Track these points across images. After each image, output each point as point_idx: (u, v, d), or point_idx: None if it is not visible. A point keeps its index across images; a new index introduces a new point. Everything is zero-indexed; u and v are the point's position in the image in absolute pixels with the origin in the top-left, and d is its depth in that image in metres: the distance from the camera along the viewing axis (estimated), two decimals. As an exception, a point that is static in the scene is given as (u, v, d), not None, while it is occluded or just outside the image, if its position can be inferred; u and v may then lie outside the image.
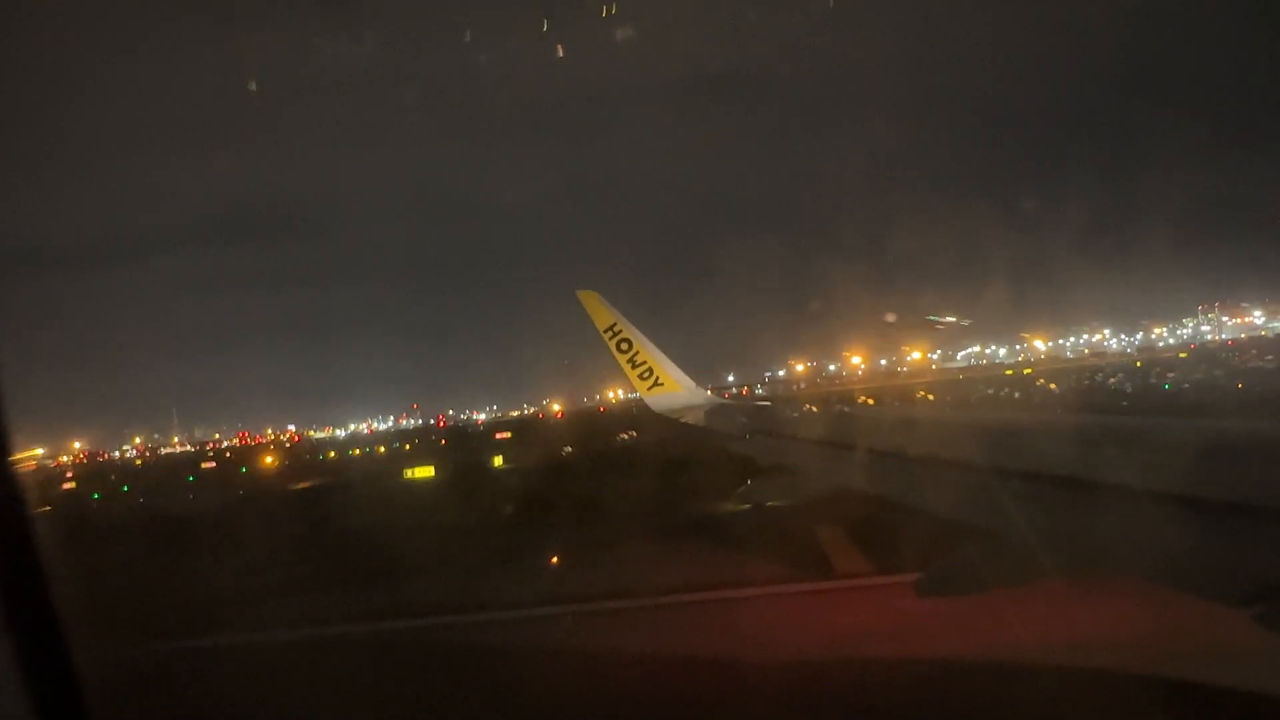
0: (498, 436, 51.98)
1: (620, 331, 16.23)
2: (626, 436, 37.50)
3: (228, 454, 60.83)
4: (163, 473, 52.79)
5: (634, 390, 17.30)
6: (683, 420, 16.12)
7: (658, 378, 16.07)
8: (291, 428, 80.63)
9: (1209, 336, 61.67)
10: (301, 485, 33.94)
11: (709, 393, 18.12)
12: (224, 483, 41.06)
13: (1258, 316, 61.85)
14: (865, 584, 10.20)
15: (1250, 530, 3.47)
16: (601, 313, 16.38)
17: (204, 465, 53.82)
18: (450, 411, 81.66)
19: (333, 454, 57.52)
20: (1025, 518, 5.02)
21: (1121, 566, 4.57)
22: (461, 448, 46.31)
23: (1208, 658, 5.85)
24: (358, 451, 57.68)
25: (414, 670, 9.22)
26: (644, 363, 16.10)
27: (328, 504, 26.09)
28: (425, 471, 34.01)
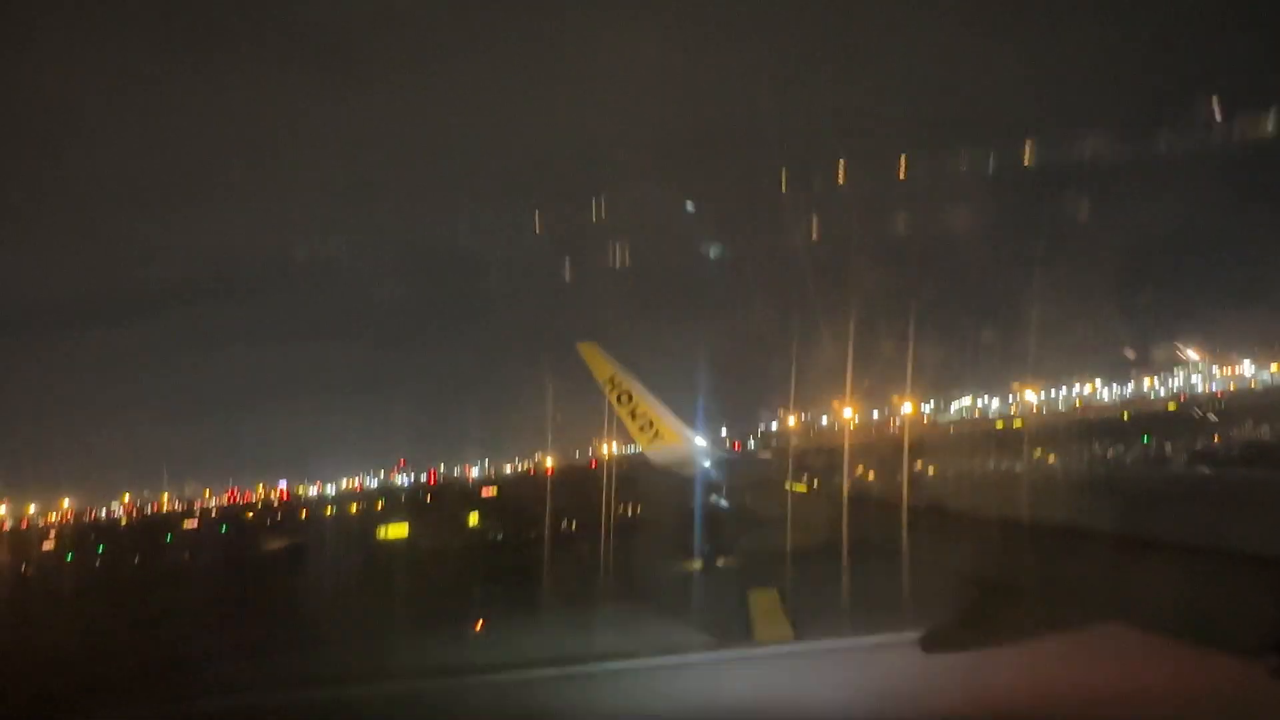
0: (483, 494, 52.27)
1: (620, 383, 16.36)
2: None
3: (213, 513, 60.51)
4: (143, 533, 52.37)
5: (631, 443, 17.46)
6: (684, 473, 16.20)
7: (658, 430, 16.15)
8: (283, 484, 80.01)
9: (1199, 388, 62.40)
10: (272, 547, 34.08)
11: (708, 446, 18.25)
12: (198, 544, 41.34)
13: (1246, 366, 62.72)
14: (871, 641, 10.03)
15: (1266, 583, 3.51)
16: (601, 364, 16.52)
17: (186, 525, 53.26)
18: (441, 467, 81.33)
19: (315, 512, 57.34)
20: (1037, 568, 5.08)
21: (1132, 618, 4.58)
22: (438, 508, 47.01)
23: (1223, 710, 5.83)
24: (331, 510, 57.63)
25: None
26: (644, 414, 16.19)
27: (288, 567, 26.50)
28: (398, 531, 34.39)
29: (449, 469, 78.09)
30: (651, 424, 16.11)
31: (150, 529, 53.50)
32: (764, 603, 12.01)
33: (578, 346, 16.72)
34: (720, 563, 17.46)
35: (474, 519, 36.30)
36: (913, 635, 8.16)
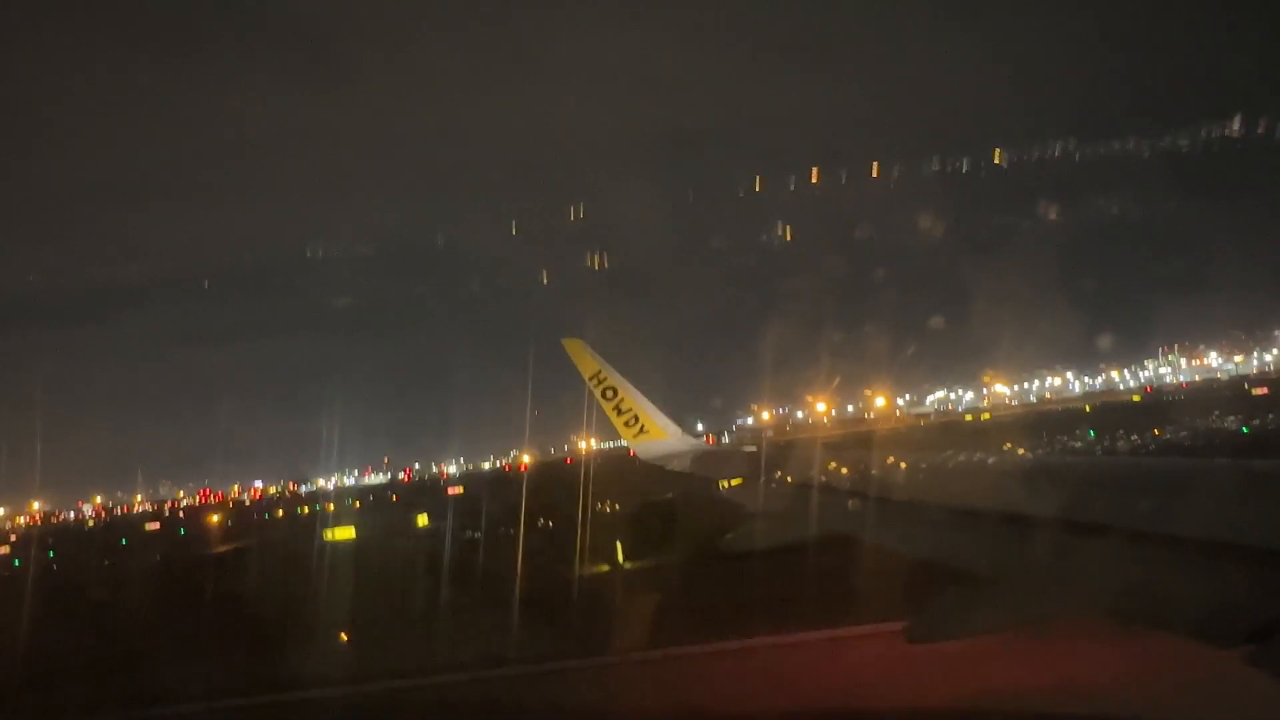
0: (449, 493, 52.78)
1: (605, 379, 16.62)
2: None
3: (181, 514, 59.98)
4: (104, 536, 51.88)
5: (611, 439, 17.88)
6: (669, 468, 16.56)
7: (643, 425, 16.42)
8: (258, 484, 79.37)
9: (1168, 379, 64.02)
10: (223, 549, 34.36)
11: (695, 440, 18.63)
12: (153, 547, 41.38)
13: (1213, 359, 64.40)
14: (856, 632, 10.29)
15: (1238, 570, 3.60)
16: (586, 360, 16.77)
17: (148, 527, 52.81)
18: (417, 465, 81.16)
19: (280, 512, 57.17)
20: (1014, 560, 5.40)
21: (1110, 609, 4.68)
22: (394, 508, 47.53)
23: (1198, 700, 6.00)
24: (305, 510, 57.55)
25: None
26: (629, 410, 16.45)
27: (231, 569, 26.80)
28: (345, 533, 34.83)
29: (426, 467, 78.10)
30: (637, 419, 16.38)
31: (112, 532, 53.00)
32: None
33: (563, 343, 16.96)
34: (630, 565, 18.44)
35: (422, 520, 36.92)
36: (897, 625, 8.33)
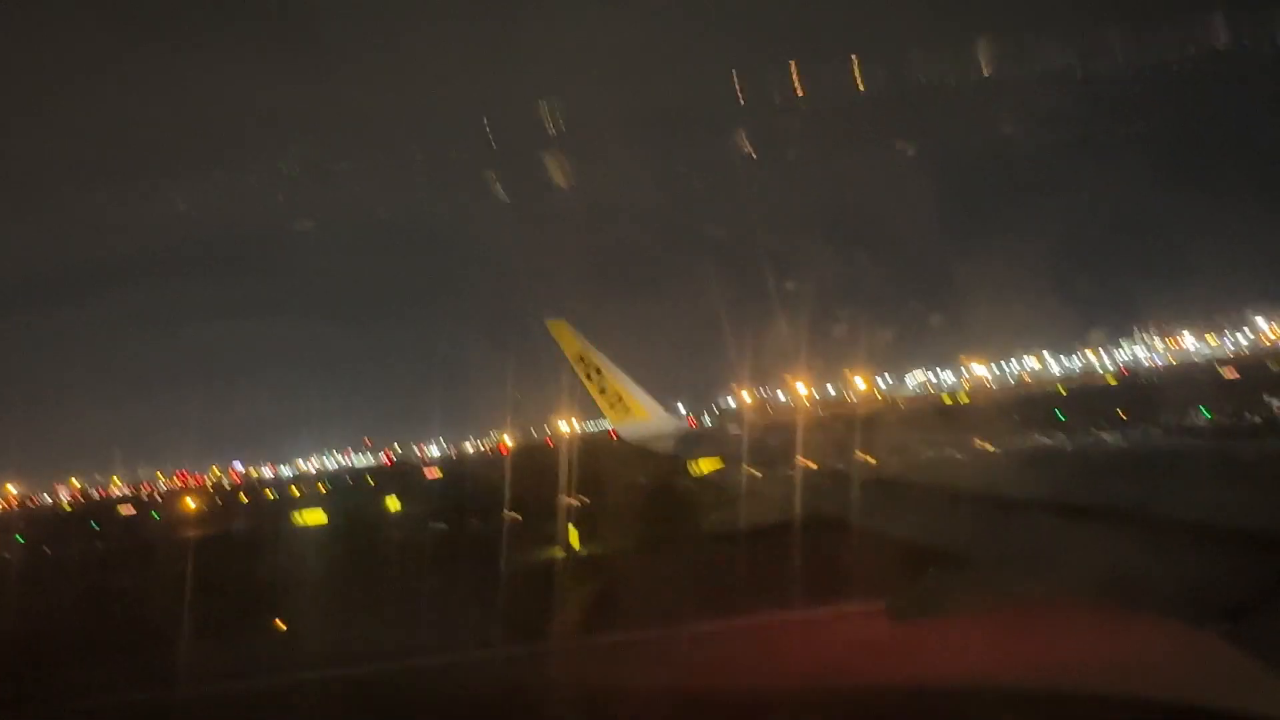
0: (427, 475, 53.08)
1: (589, 359, 16.64)
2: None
3: (159, 497, 59.62)
4: (75, 520, 51.39)
5: (593, 420, 17.95)
6: (653, 448, 16.65)
7: (627, 406, 16.48)
8: (237, 466, 79.01)
9: (1144, 360, 64.93)
10: (192, 534, 34.20)
11: (679, 421, 18.72)
12: (120, 532, 40.97)
13: (1189, 339, 65.30)
14: (839, 612, 10.47)
15: (1214, 551, 3.67)
16: (571, 341, 16.78)
17: (121, 511, 52.33)
18: (397, 448, 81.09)
19: (254, 496, 57.06)
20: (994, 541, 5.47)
21: (1089, 589, 4.76)
22: (362, 493, 47.69)
23: (1176, 678, 6.02)
24: (280, 493, 57.47)
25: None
26: (613, 391, 16.49)
27: (192, 558, 26.60)
28: (316, 518, 35.02)
29: (407, 449, 77.93)
30: (621, 400, 16.43)
31: (85, 516, 52.53)
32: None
33: (547, 324, 16.95)
34: (585, 551, 18.64)
35: (394, 504, 37.04)
36: (879, 605, 8.60)
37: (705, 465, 15.81)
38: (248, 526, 36.40)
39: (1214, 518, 3.81)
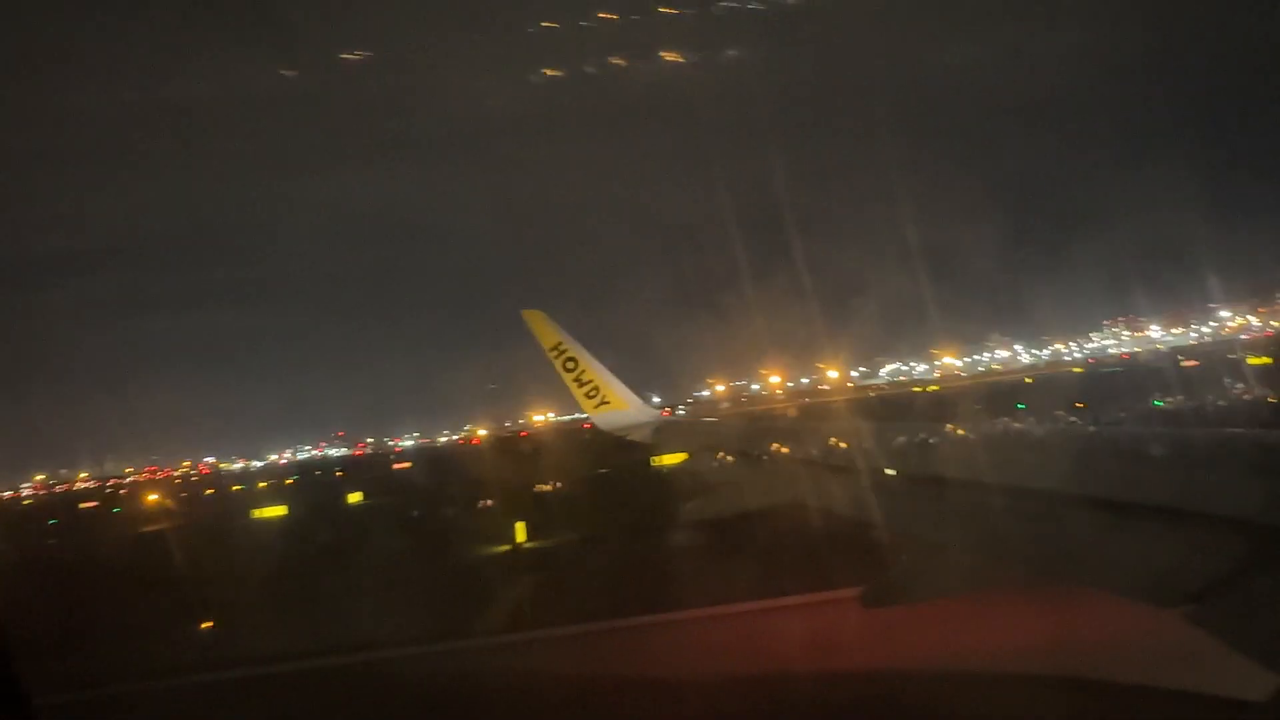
0: (395, 468, 53.12)
1: (565, 350, 16.60)
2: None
3: (123, 491, 59.03)
4: (35, 514, 50.66)
5: (574, 411, 17.98)
6: (630, 438, 16.69)
7: (604, 396, 16.46)
8: (209, 459, 78.24)
9: (1111, 351, 66.00)
10: (149, 528, 33.93)
11: (656, 411, 18.76)
12: (77, 527, 40.54)
13: (1154, 330, 66.43)
14: (814, 599, 10.54)
15: (1175, 534, 3.74)
16: (547, 332, 16.72)
17: (82, 506, 51.62)
18: (370, 440, 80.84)
19: (219, 490, 56.71)
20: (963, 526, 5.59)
21: (1058, 572, 4.88)
22: (327, 486, 47.70)
23: (1142, 658, 6.22)
24: (239, 487, 57.29)
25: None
26: (590, 381, 16.47)
27: (145, 552, 26.29)
28: (276, 511, 35.07)
29: (380, 442, 77.60)
30: (598, 390, 16.41)
31: (47, 509, 51.80)
32: None
33: (523, 314, 16.85)
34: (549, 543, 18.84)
35: (357, 497, 37.02)
36: (853, 591, 8.84)
37: (669, 459, 15.96)
38: (224, 519, 36.03)
39: (1177, 500, 3.89)
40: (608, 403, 16.44)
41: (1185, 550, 3.69)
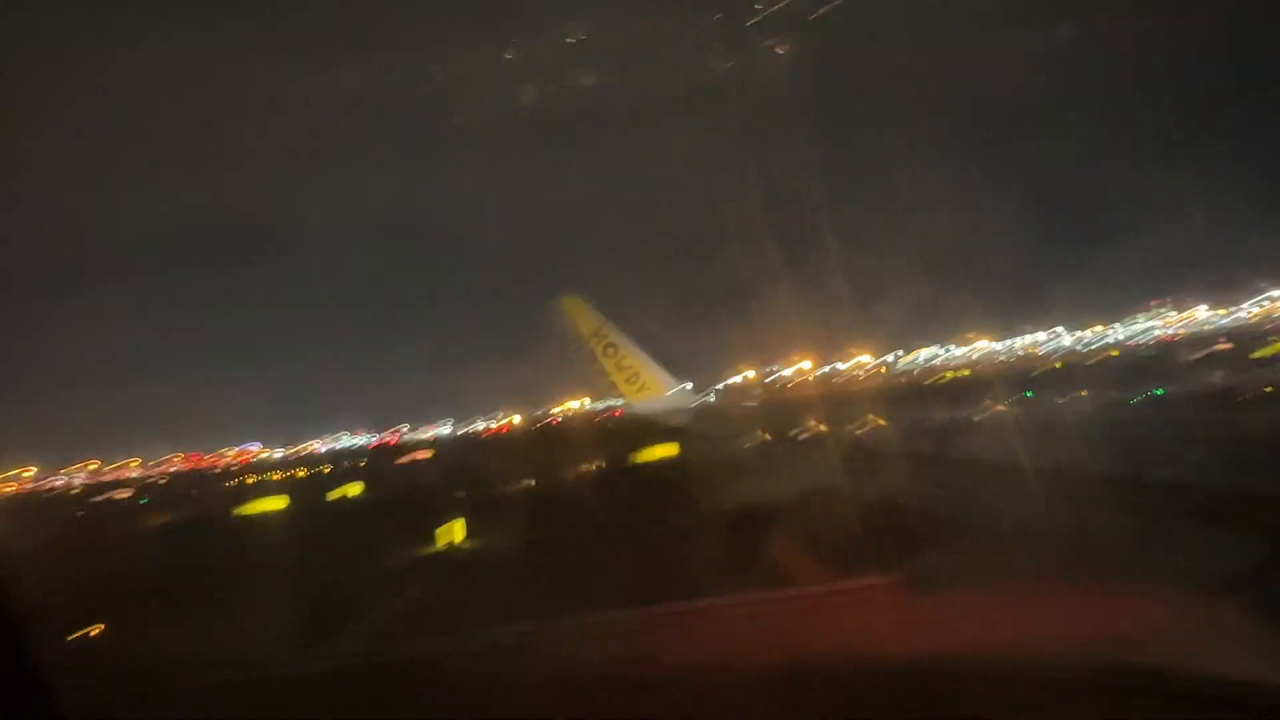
0: (410, 458, 53.85)
1: (605, 336, 16.76)
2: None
3: (164, 481, 60.25)
4: (70, 504, 51.85)
5: (603, 398, 18.21)
6: (669, 423, 16.88)
7: (644, 381, 16.66)
8: (252, 447, 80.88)
9: (1155, 333, 65.19)
10: (162, 521, 34.36)
11: (694, 395, 18.93)
12: (97, 518, 41.12)
13: (1201, 311, 65.45)
14: (854, 585, 10.94)
15: (1221, 523, 3.93)
16: (586, 318, 16.89)
17: (115, 496, 52.69)
18: (406, 427, 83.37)
19: (246, 480, 57.88)
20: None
21: (1099, 559, 4.98)
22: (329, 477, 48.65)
23: (1186, 647, 6.36)
24: (277, 475, 58.20)
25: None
26: (630, 366, 16.64)
27: (137, 550, 26.33)
28: (276, 504, 34.68)
29: (419, 429, 79.84)
30: (638, 375, 16.57)
31: (80, 501, 52.91)
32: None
33: (561, 301, 17.02)
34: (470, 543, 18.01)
35: (356, 489, 37.17)
36: (895, 577, 9.01)
37: (659, 451, 16.00)
38: (218, 513, 36.21)
39: (1217, 486, 3.81)
40: (647, 387, 16.60)
41: (1229, 536, 3.89)
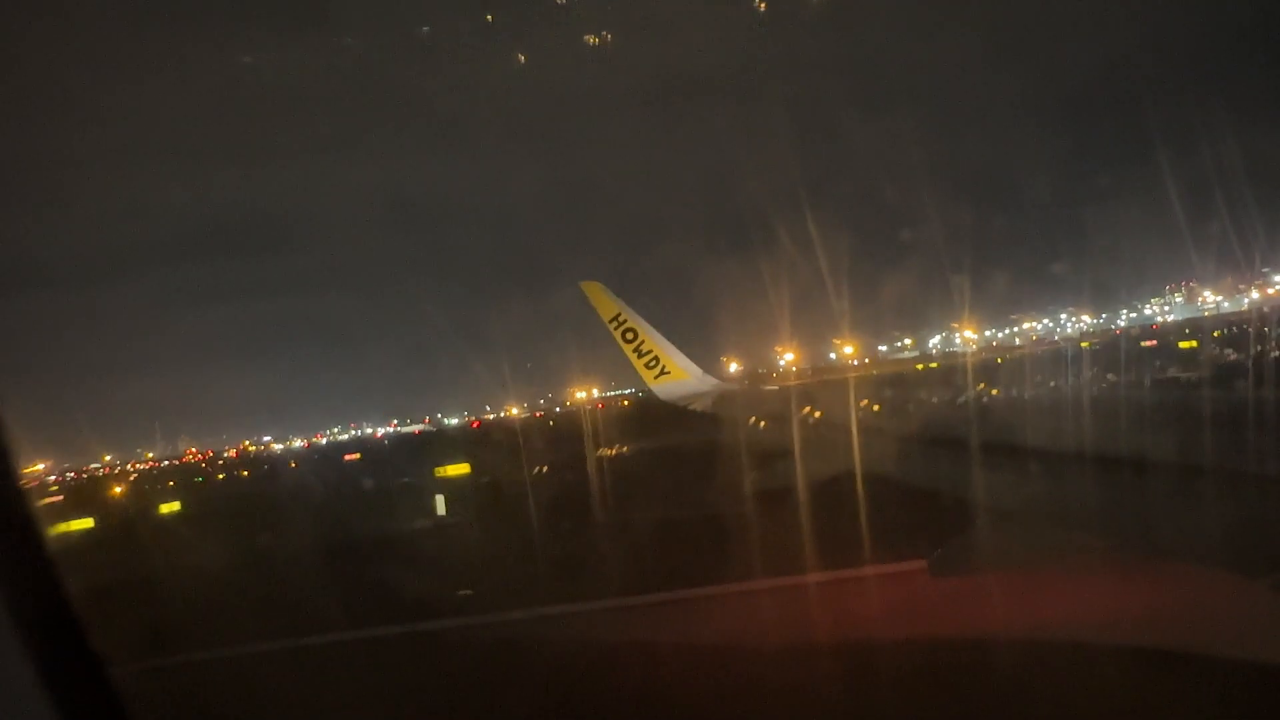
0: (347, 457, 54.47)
1: (625, 321, 16.95)
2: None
3: (168, 470, 61.11)
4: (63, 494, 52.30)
5: (614, 385, 18.35)
6: (691, 408, 17.13)
7: (664, 366, 16.82)
8: (268, 439, 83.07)
9: (1167, 318, 65.23)
10: (165, 510, 34.67)
11: (716, 380, 19.12)
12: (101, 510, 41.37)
13: (1211, 297, 65.37)
14: (880, 570, 10.48)
15: (1262, 502, 3.80)
16: (606, 303, 17.07)
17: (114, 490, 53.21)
18: (427, 419, 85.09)
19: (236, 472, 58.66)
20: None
21: (1133, 540, 4.97)
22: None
23: (1223, 629, 6.04)
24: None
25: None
26: (650, 351, 16.82)
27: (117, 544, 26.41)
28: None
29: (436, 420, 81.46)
30: (658, 360, 16.77)
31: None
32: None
33: (581, 286, 17.13)
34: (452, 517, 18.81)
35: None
36: (921, 563, 8.89)
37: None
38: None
39: (1260, 466, 4.04)
40: (668, 373, 16.77)
41: (1271, 517, 3.80)
